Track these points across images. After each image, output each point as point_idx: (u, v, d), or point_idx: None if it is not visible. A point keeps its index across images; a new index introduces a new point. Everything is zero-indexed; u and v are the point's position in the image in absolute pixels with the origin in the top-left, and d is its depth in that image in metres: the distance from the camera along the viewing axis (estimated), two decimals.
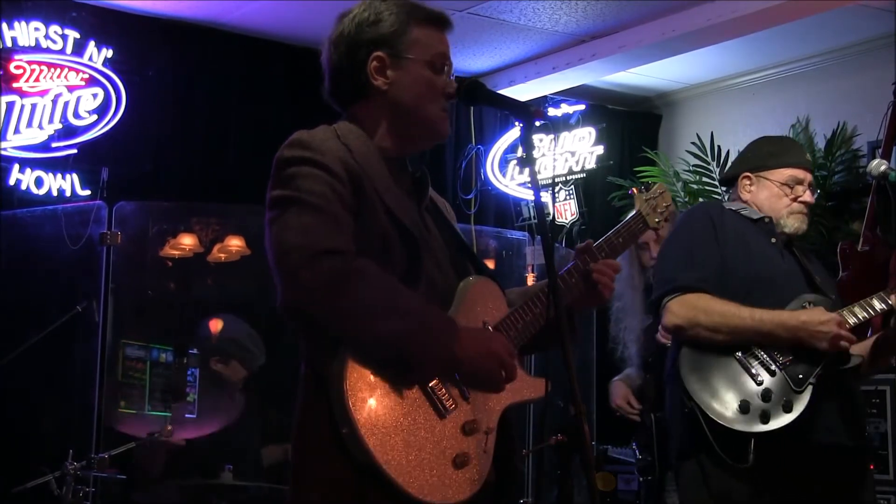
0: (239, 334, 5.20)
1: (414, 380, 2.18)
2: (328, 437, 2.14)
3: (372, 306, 2.13)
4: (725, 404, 3.13)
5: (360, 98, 2.38)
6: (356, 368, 2.13)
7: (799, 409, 3.13)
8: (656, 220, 2.65)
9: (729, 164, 6.55)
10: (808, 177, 3.47)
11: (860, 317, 3.25)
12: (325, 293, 2.10)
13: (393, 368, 2.15)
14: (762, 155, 3.52)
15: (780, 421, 3.11)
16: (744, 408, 3.12)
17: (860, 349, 3.33)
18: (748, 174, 3.48)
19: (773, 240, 3.38)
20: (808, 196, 3.44)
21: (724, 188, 6.48)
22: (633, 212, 2.66)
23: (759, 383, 3.15)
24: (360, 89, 2.37)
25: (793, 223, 3.41)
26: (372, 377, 2.14)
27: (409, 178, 2.43)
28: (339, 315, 2.13)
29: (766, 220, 3.41)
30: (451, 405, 2.20)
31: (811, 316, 3.19)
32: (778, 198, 3.42)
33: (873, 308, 3.27)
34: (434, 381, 2.20)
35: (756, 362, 3.19)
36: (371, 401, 2.12)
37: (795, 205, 3.42)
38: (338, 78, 2.40)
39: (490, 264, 6.40)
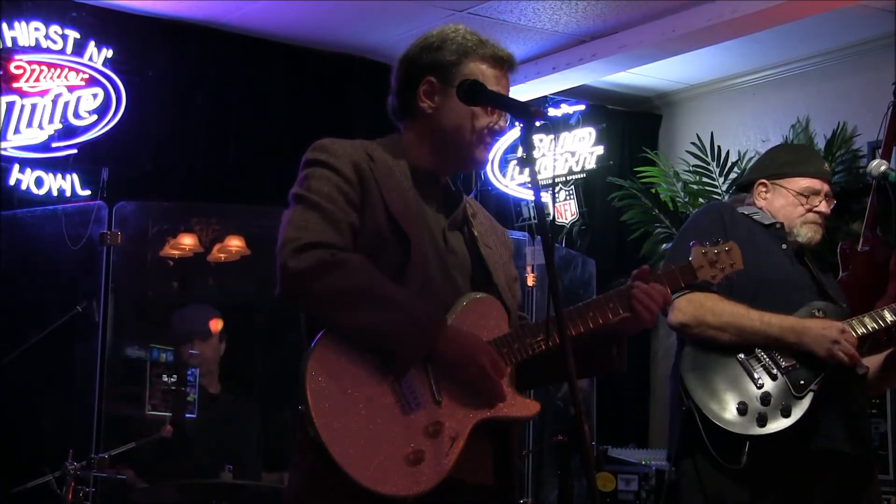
0: (181, 315, 5.25)
1: (394, 368, 2.23)
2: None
3: (352, 293, 2.22)
4: (723, 405, 3.13)
5: (409, 116, 2.49)
6: (325, 352, 2.21)
7: (797, 414, 3.11)
8: (712, 274, 2.59)
9: (729, 164, 6.59)
10: (826, 187, 3.43)
11: (869, 327, 3.22)
12: (306, 280, 2.22)
13: (375, 355, 2.22)
14: (780, 163, 3.49)
15: (777, 425, 3.10)
16: (741, 410, 3.11)
17: (869, 361, 3.31)
18: (764, 181, 3.45)
19: (784, 246, 3.36)
20: (823, 207, 3.41)
21: (725, 190, 6.54)
22: (687, 262, 2.59)
23: (760, 386, 3.14)
24: (410, 108, 2.48)
25: (806, 233, 3.38)
26: (340, 363, 2.21)
27: (440, 193, 2.49)
28: (320, 301, 2.23)
29: (778, 225, 3.38)
30: (417, 404, 2.23)
31: (816, 322, 3.18)
32: (793, 206, 3.39)
33: (884, 319, 3.24)
34: (406, 378, 2.23)
35: (758, 365, 3.17)
36: (331, 383, 2.19)
37: (810, 215, 3.39)
38: (396, 94, 2.51)
39: None
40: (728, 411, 3.12)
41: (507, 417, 2.33)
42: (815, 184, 3.42)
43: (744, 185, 3.62)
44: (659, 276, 2.49)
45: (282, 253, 2.24)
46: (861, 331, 3.21)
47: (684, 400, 3.16)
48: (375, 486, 2.16)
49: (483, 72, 2.44)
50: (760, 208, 3.44)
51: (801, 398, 3.13)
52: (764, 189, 3.45)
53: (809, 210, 3.39)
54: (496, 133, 2.46)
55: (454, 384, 2.27)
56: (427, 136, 2.46)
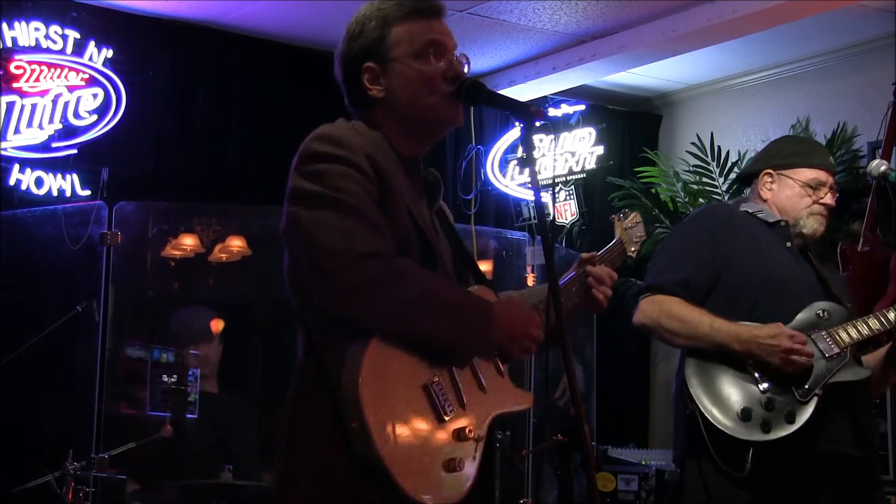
0: (178, 317, 5.25)
1: (457, 362, 2.24)
2: (324, 432, 2.15)
3: (413, 304, 2.18)
4: (727, 410, 3.11)
5: (367, 107, 2.40)
6: (372, 369, 2.12)
7: (801, 420, 3.09)
8: (632, 248, 2.74)
9: (729, 164, 6.59)
10: (831, 180, 3.41)
11: (874, 328, 3.21)
12: (368, 295, 2.14)
13: (418, 361, 2.18)
14: (786, 153, 3.45)
15: (781, 432, 3.08)
16: (745, 415, 3.09)
17: (871, 360, 3.30)
18: (770, 171, 3.41)
19: (789, 244, 3.33)
20: (829, 199, 3.39)
21: (725, 190, 6.54)
22: (615, 239, 2.72)
23: (764, 392, 3.12)
24: (365, 100, 2.39)
25: (812, 224, 3.36)
26: (384, 379, 2.14)
27: (420, 178, 2.44)
28: (385, 314, 2.16)
29: (783, 223, 3.35)
30: (451, 410, 2.21)
31: (763, 330, 3.14)
32: (799, 198, 3.36)
33: (888, 320, 3.23)
34: (438, 385, 2.20)
35: (762, 370, 3.15)
36: (383, 399, 2.12)
37: (816, 206, 3.36)
38: (346, 92, 2.45)
39: (490, 265, 6.42)
40: (731, 417, 3.10)
41: (514, 411, 2.37)
42: (821, 175, 3.39)
43: (747, 176, 3.57)
44: (604, 259, 2.59)
45: (331, 265, 2.14)
46: (865, 331, 3.20)
47: (688, 404, 3.15)
48: (435, 501, 2.14)
49: (412, 29, 2.37)
50: (766, 200, 3.40)
51: (806, 403, 3.11)
52: (769, 179, 3.41)
53: (816, 201, 3.36)
54: (453, 79, 2.38)
55: (472, 385, 2.28)
56: (392, 119, 2.36)
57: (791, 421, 3.09)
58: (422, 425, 2.17)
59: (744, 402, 3.11)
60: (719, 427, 3.10)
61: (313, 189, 2.20)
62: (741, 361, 3.16)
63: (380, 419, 2.10)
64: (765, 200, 3.41)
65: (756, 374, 3.15)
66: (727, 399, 3.13)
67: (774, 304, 3.21)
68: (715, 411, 3.11)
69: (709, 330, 3.16)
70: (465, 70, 2.42)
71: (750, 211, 3.40)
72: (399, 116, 2.37)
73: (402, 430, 2.13)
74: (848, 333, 3.21)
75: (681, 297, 3.23)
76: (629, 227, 2.75)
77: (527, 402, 2.41)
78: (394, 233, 2.22)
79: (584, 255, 2.55)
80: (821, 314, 3.23)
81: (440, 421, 2.19)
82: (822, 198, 3.37)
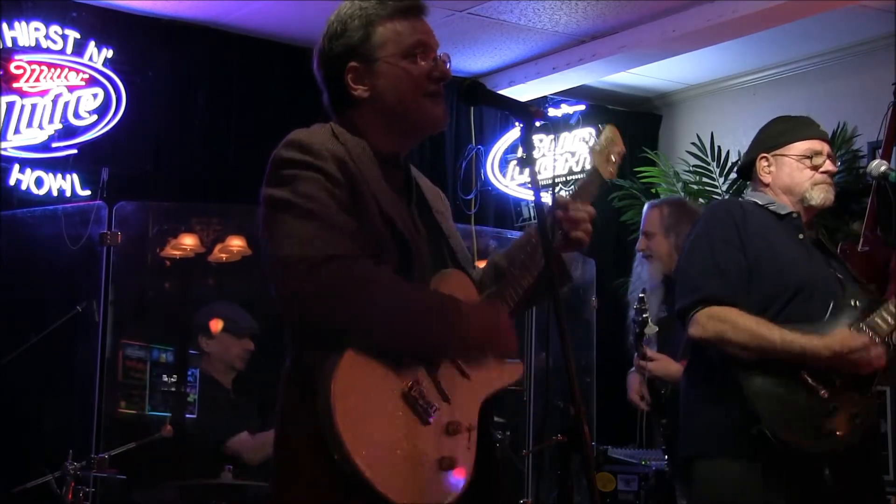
0: (221, 307, 5.22)
1: (432, 363, 2.21)
2: (310, 443, 2.12)
3: (382, 309, 2.14)
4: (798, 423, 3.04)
5: (349, 106, 2.38)
6: (345, 380, 2.09)
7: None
8: (610, 169, 2.63)
9: (729, 164, 6.59)
10: (827, 147, 3.36)
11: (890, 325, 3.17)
12: (327, 301, 2.11)
13: (386, 369, 2.15)
14: (776, 134, 3.41)
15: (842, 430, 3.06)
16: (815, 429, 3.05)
17: None
18: (765, 155, 3.37)
19: (801, 236, 3.28)
20: (829, 165, 3.32)
21: (726, 190, 6.54)
22: (590, 168, 2.62)
23: (827, 398, 3.07)
24: (347, 100, 2.38)
25: (818, 194, 3.30)
26: (358, 388, 2.10)
27: (401, 176, 2.42)
28: (346, 319, 2.12)
29: (794, 215, 3.30)
30: (434, 410, 2.18)
31: (843, 344, 3.07)
32: (799, 171, 3.31)
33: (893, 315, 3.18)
34: (415, 388, 2.17)
35: (820, 379, 3.09)
36: (359, 414, 2.09)
37: (818, 175, 3.30)
38: (326, 91, 2.43)
39: None
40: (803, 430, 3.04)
41: (502, 387, 2.34)
42: (815, 144, 3.34)
43: (744, 168, 3.52)
44: (576, 195, 2.49)
45: (290, 274, 2.11)
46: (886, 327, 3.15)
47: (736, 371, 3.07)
48: None
49: (398, 30, 2.35)
50: (768, 185, 3.35)
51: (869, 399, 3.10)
52: (766, 163, 3.36)
53: (816, 170, 3.31)
54: (439, 79, 2.37)
55: (453, 375, 2.25)
56: (376, 118, 2.35)
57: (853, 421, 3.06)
58: (405, 434, 2.13)
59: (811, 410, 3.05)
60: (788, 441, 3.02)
61: (278, 196, 2.20)
62: (793, 371, 3.08)
63: (357, 435, 2.06)
64: (767, 185, 3.36)
65: (812, 382, 3.07)
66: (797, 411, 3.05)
67: (804, 303, 3.15)
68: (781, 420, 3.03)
69: (780, 342, 3.06)
70: (449, 69, 2.41)
71: (760, 203, 3.35)
72: (384, 115, 2.36)
73: (382, 444, 2.10)
74: (884, 321, 3.16)
75: (736, 306, 3.14)
76: (603, 148, 2.61)
77: (515, 374, 2.38)
78: (366, 236, 2.21)
79: (559, 198, 2.44)
80: (853, 304, 3.17)
81: (425, 424, 2.16)
82: (821, 166, 3.32)
